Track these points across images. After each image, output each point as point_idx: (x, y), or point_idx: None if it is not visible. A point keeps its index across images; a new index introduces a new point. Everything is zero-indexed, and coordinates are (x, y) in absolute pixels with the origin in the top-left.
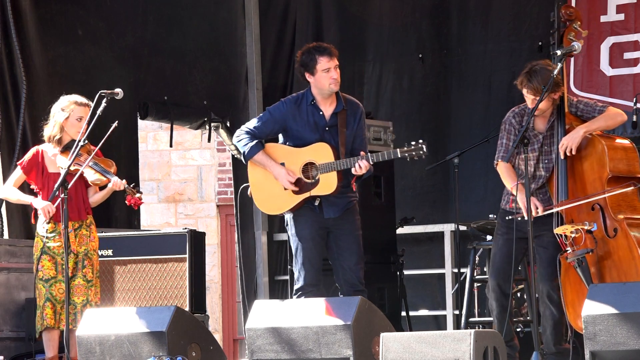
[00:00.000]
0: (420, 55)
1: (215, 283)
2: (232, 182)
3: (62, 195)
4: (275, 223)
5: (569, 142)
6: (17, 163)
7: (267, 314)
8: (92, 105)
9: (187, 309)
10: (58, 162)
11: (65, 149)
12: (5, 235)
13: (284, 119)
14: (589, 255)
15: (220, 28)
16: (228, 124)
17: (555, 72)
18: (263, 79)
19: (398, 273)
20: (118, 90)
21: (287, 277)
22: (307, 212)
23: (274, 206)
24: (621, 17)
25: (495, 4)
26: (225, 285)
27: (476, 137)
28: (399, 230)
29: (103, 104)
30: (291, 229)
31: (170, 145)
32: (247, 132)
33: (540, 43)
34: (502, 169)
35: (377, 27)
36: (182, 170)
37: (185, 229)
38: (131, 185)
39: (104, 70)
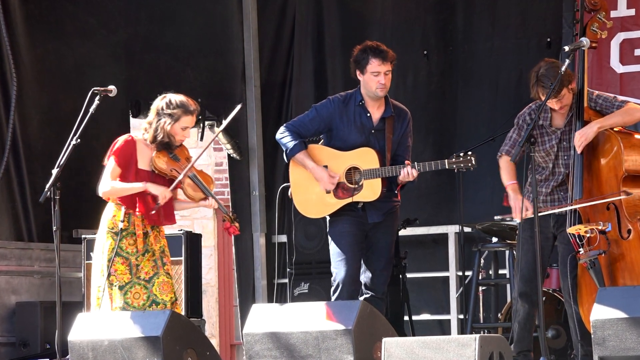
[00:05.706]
0: (425, 52)
1: (212, 286)
2: (228, 182)
3: (55, 196)
4: (274, 225)
5: (581, 137)
6: (112, 153)
7: (265, 318)
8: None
9: (182, 313)
10: (158, 163)
11: (162, 149)
12: None
13: (330, 118)
14: (602, 257)
15: (215, 23)
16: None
17: (563, 68)
18: (261, 76)
19: (401, 276)
20: (112, 87)
21: (286, 280)
22: (348, 213)
23: (314, 209)
24: (632, 12)
25: None
26: (222, 288)
27: (482, 136)
28: (402, 232)
29: (96, 102)
30: (332, 228)
31: None
32: (291, 130)
33: (549, 39)
34: (503, 163)
35: (379, 22)
36: None
37: (181, 230)
38: (230, 212)
39: (95, 67)
